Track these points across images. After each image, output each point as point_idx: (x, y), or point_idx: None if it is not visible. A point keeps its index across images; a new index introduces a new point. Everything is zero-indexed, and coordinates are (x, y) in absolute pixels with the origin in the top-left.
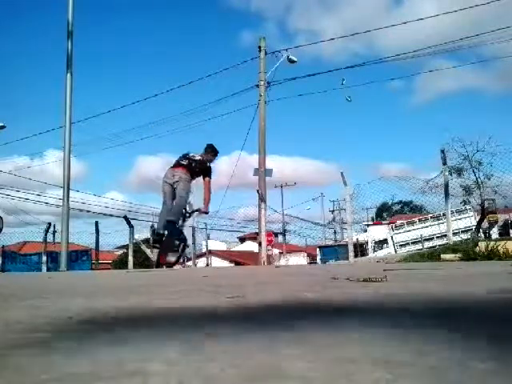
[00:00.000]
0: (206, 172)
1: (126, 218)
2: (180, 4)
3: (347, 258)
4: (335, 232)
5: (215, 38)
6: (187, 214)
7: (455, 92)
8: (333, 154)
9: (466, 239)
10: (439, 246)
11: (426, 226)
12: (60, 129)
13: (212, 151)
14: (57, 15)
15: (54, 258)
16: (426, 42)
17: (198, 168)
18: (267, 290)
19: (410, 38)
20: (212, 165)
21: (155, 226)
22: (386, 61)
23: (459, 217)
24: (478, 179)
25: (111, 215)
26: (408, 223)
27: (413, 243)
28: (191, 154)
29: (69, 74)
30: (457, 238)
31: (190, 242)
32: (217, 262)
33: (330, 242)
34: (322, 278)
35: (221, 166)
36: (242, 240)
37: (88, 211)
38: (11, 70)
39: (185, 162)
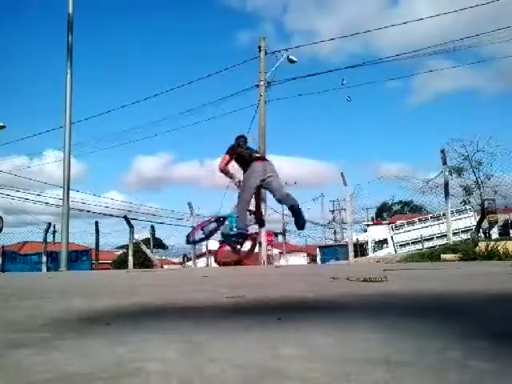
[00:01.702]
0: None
1: (126, 218)
2: (177, 4)
3: (347, 258)
4: (335, 232)
5: (213, 38)
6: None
7: (454, 92)
8: (333, 154)
9: (466, 239)
10: (439, 246)
11: (426, 226)
12: (60, 129)
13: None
14: (57, 15)
15: (54, 258)
16: (423, 41)
17: None
18: (267, 290)
19: (406, 38)
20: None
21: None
22: (387, 61)
23: (459, 217)
24: (478, 179)
25: (111, 215)
26: (408, 223)
27: (413, 243)
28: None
29: (69, 75)
30: (457, 238)
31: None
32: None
33: (330, 242)
34: (321, 278)
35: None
36: None
37: (88, 211)
38: (11, 70)
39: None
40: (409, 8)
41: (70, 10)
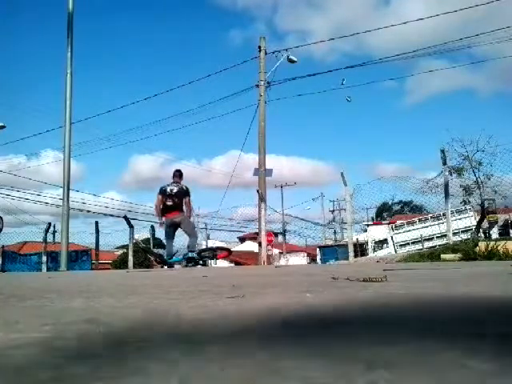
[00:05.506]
0: (187, 194)
1: (126, 218)
2: (173, 4)
3: (347, 258)
4: (335, 232)
5: (207, 38)
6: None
7: (453, 91)
8: (332, 154)
9: (465, 239)
10: (439, 246)
11: (426, 226)
12: (59, 129)
13: (181, 175)
14: (58, 14)
15: (54, 257)
16: (416, 40)
17: (180, 197)
18: (267, 291)
19: (400, 36)
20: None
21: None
22: (386, 61)
23: (459, 217)
24: (478, 179)
25: (111, 215)
26: (408, 223)
27: (413, 243)
28: (171, 190)
29: (69, 75)
30: (457, 238)
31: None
32: (217, 261)
33: (330, 242)
34: (322, 278)
35: (217, 166)
36: (242, 240)
37: (88, 211)
38: (11, 69)
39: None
40: (400, 7)
41: (70, 8)
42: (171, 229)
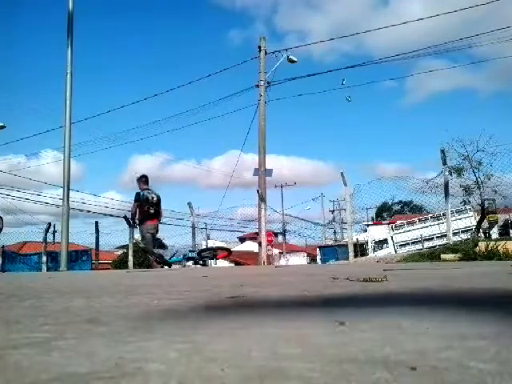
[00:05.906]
0: (161, 201)
1: (125, 218)
2: (173, 4)
3: (347, 258)
4: (335, 232)
5: (213, 38)
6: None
7: (452, 91)
8: (332, 154)
9: (466, 239)
10: (439, 246)
11: (426, 226)
12: (59, 129)
13: (148, 181)
14: (58, 14)
15: (54, 257)
16: (421, 41)
17: (159, 205)
18: (267, 290)
19: (404, 37)
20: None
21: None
22: (386, 60)
23: (459, 217)
24: (478, 179)
25: (111, 215)
26: (408, 223)
27: (413, 243)
28: (152, 198)
29: (69, 75)
30: (457, 238)
31: (190, 242)
32: (217, 261)
33: (330, 242)
34: (322, 278)
35: (217, 166)
36: (242, 240)
37: (88, 211)
38: (12, 70)
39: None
40: (399, 7)
41: (71, 7)
42: (152, 235)
